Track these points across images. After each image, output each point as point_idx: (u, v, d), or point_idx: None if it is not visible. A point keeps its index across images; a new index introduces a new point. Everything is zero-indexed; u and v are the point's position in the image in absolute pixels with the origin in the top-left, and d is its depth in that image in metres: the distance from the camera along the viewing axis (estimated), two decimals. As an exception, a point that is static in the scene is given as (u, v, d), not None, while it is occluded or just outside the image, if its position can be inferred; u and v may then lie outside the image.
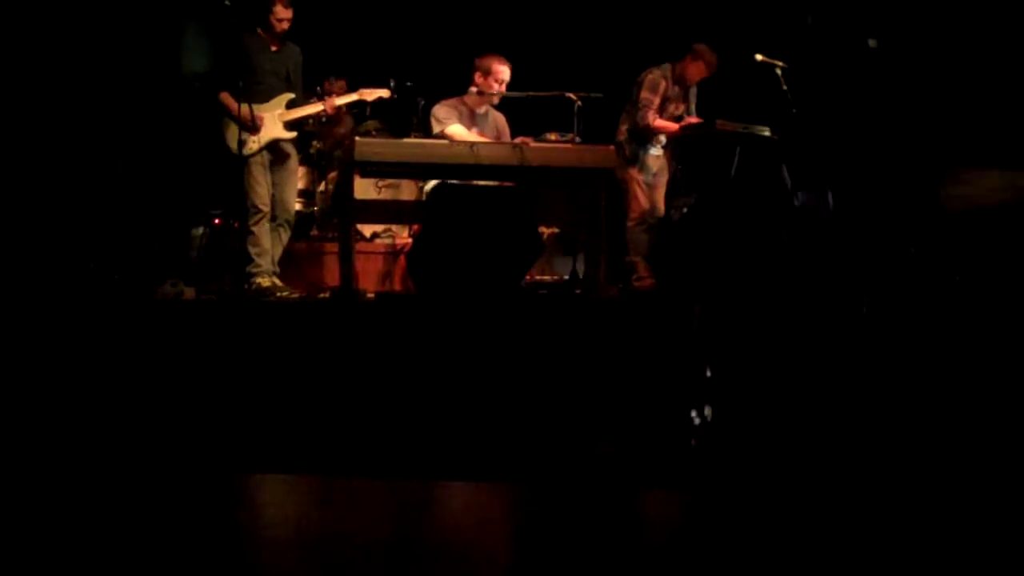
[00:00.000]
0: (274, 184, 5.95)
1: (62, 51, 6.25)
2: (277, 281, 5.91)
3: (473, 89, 6.05)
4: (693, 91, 6.65)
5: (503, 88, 6.04)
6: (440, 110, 6.05)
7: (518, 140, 5.93)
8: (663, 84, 6.42)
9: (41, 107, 6.12)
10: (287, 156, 6.01)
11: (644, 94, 6.39)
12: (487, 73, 6.02)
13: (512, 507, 3.29)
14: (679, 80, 6.50)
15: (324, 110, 6.03)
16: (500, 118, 6.27)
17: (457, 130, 5.96)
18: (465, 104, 6.11)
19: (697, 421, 4.20)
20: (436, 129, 6.00)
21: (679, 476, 3.60)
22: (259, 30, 5.94)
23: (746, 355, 4.51)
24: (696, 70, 6.47)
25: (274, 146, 5.92)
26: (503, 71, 6.02)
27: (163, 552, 2.67)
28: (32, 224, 5.88)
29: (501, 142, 6.03)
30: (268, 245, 5.88)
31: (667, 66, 6.49)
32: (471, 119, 6.11)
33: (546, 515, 3.11)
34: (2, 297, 5.08)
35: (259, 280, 5.76)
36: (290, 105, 5.94)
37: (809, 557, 2.67)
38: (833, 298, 5.18)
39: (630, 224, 6.42)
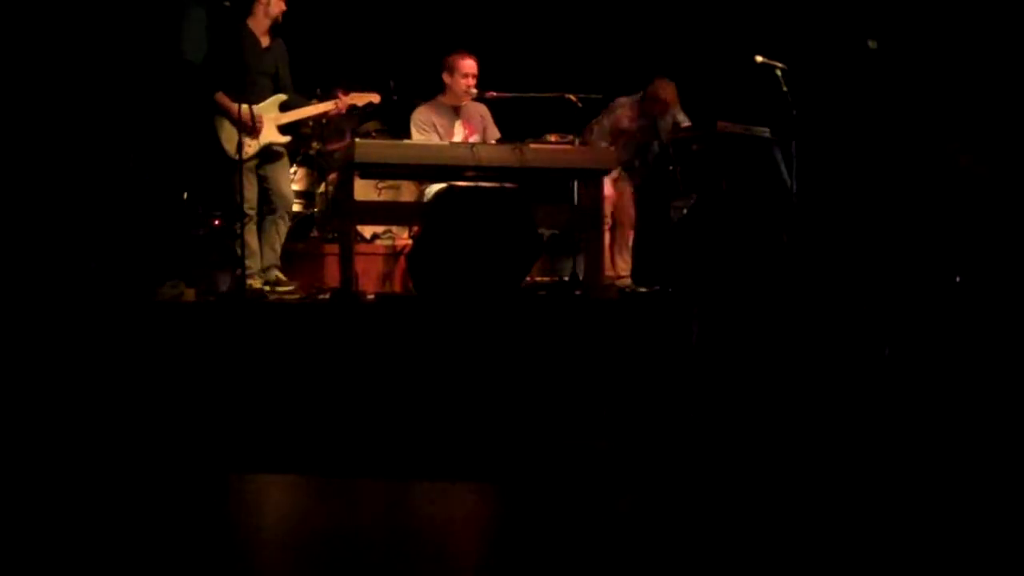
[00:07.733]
0: (269, 180, 5.84)
1: (63, 49, 6.24)
2: (280, 276, 5.88)
3: (451, 90, 6.18)
4: (670, 116, 6.61)
5: (471, 80, 6.12)
6: (419, 115, 6.17)
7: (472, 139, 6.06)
8: (622, 112, 6.53)
9: (42, 106, 6.11)
10: (279, 156, 5.89)
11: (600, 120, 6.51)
12: (452, 70, 6.15)
13: (511, 508, 3.29)
14: (645, 110, 6.54)
15: (336, 108, 5.91)
16: (481, 107, 6.32)
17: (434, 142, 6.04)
18: (442, 103, 6.22)
19: (696, 421, 4.21)
20: (416, 137, 6.07)
21: (677, 477, 3.60)
22: (249, 24, 5.75)
23: (745, 356, 4.52)
24: (655, 106, 6.51)
25: (266, 149, 5.78)
26: (467, 65, 6.14)
27: (161, 552, 2.67)
28: (33, 224, 5.88)
29: (500, 144, 6.05)
30: (256, 246, 5.82)
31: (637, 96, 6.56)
32: (453, 115, 6.21)
33: (546, 516, 3.11)
34: (2, 297, 5.08)
35: (249, 282, 5.67)
36: (284, 107, 5.80)
37: (807, 558, 2.67)
38: (832, 299, 5.18)
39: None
